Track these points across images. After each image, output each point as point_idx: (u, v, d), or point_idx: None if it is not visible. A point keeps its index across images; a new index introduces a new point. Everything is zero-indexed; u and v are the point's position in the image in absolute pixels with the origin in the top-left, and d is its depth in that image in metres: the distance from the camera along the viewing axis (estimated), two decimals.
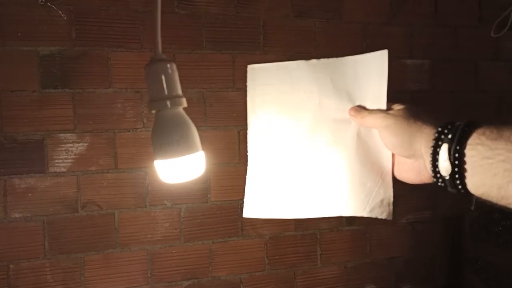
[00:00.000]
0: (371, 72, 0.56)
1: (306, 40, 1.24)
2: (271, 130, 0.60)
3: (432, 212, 1.38)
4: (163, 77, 0.51)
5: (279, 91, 0.61)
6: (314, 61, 0.60)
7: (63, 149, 1.08)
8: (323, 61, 0.59)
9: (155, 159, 0.52)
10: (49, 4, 1.04)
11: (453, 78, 1.39)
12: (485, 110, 1.42)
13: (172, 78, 0.52)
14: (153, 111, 0.53)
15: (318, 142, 0.59)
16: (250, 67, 0.61)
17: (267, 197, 0.60)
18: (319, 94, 0.59)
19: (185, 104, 0.53)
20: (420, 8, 1.35)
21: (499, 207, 0.41)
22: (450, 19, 1.38)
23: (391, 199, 0.54)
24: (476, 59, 1.41)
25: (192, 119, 0.58)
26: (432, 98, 1.36)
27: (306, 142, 0.59)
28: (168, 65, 0.52)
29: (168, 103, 0.51)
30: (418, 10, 1.35)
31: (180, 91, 0.53)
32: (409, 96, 1.34)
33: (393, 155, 0.54)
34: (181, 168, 0.53)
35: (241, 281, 1.22)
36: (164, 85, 0.51)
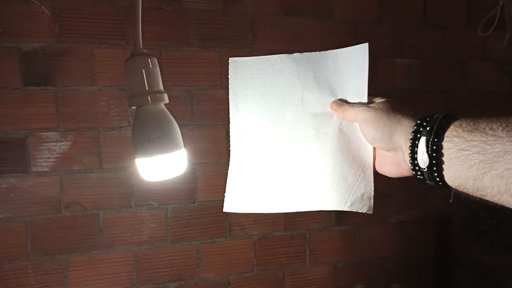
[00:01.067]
0: (352, 65, 0.56)
1: (295, 38, 1.23)
2: (253, 123, 0.60)
3: (421, 212, 1.37)
4: (143, 72, 0.49)
5: (262, 84, 0.60)
6: (296, 54, 0.59)
7: (45, 148, 1.05)
8: (306, 54, 0.59)
9: (135, 157, 0.51)
10: None
11: (441, 77, 1.39)
12: (472, 108, 1.42)
13: (153, 73, 0.50)
14: (134, 107, 0.51)
15: (300, 136, 0.58)
16: (232, 60, 0.60)
17: (248, 191, 0.60)
18: (301, 88, 0.59)
19: (166, 100, 0.52)
20: (409, 7, 1.35)
21: (479, 201, 0.41)
22: (438, 19, 1.38)
23: (372, 193, 0.54)
24: (464, 59, 1.41)
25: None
26: (421, 97, 1.36)
27: (288, 136, 0.59)
28: (149, 60, 0.51)
29: (149, 98, 0.49)
30: (407, 10, 1.35)
31: (161, 87, 0.51)
32: (399, 95, 1.34)
33: (374, 148, 0.54)
34: (162, 166, 0.51)
35: (229, 282, 1.20)
36: (145, 80, 0.49)
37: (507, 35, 1.36)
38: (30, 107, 1.04)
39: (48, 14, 1.04)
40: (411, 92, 1.35)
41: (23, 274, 1.04)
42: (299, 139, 0.58)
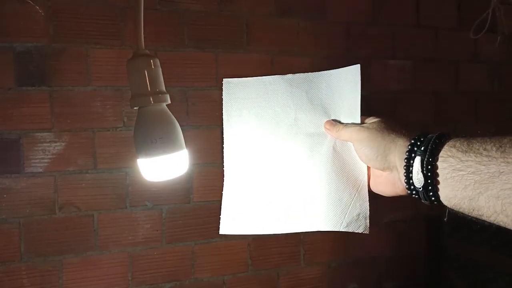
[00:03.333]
0: (344, 86, 0.57)
1: (289, 39, 1.24)
2: (247, 144, 0.60)
3: (414, 211, 1.39)
4: (146, 73, 0.50)
5: (256, 105, 0.60)
6: (289, 75, 0.60)
7: (40, 148, 1.04)
8: (298, 75, 0.60)
9: (137, 158, 0.51)
10: None
11: (433, 78, 1.41)
12: (463, 109, 1.45)
13: (155, 74, 0.51)
14: (136, 108, 0.51)
15: (294, 157, 0.59)
16: (225, 81, 0.60)
17: (243, 213, 0.60)
18: (295, 108, 0.60)
19: (168, 101, 0.52)
20: (402, 9, 1.37)
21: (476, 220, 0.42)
22: (430, 21, 1.40)
23: (367, 213, 0.55)
24: (456, 60, 1.43)
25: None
26: (414, 98, 1.38)
27: (282, 156, 0.59)
28: (151, 60, 0.51)
29: (151, 99, 0.50)
30: (399, 12, 1.36)
31: (163, 87, 0.52)
32: (392, 96, 1.35)
33: (368, 168, 0.55)
34: (164, 167, 0.52)
35: (224, 282, 1.20)
36: (147, 81, 0.50)
37: (499, 38, 1.39)
38: (24, 108, 1.03)
39: (43, 14, 1.03)
40: (403, 94, 1.36)
41: (16, 275, 1.03)
42: (294, 159, 0.59)
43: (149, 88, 0.51)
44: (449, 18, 1.42)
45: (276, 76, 0.60)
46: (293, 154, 0.59)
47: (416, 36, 1.38)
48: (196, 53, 1.15)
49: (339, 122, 0.56)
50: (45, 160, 1.05)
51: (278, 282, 1.25)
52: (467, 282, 1.32)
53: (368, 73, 1.31)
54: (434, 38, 1.40)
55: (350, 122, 0.55)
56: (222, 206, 0.60)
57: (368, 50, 1.32)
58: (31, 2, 1.02)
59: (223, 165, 0.59)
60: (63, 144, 1.06)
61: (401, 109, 1.36)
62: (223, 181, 0.60)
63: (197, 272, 1.18)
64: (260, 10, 1.21)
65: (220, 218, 0.61)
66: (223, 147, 0.60)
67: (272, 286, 1.25)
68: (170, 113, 0.53)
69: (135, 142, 0.51)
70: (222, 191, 0.60)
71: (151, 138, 0.50)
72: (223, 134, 0.60)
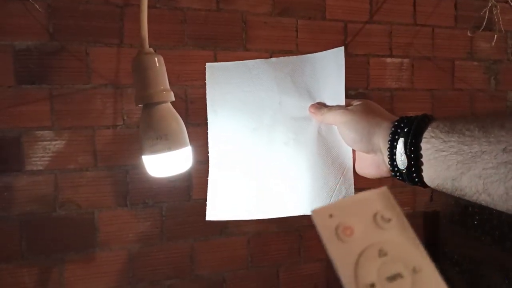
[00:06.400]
0: (328, 69, 0.56)
1: (288, 37, 1.24)
2: (231, 129, 0.60)
3: (411, 207, 1.40)
4: (150, 71, 0.50)
5: (240, 89, 0.60)
6: (273, 59, 0.60)
7: (40, 146, 1.04)
8: (282, 59, 0.59)
9: (142, 154, 0.51)
10: None
11: (430, 76, 1.42)
12: (460, 107, 1.46)
13: (160, 72, 0.51)
14: (140, 105, 0.52)
15: (279, 141, 0.58)
16: (209, 65, 0.60)
17: (229, 199, 0.60)
18: (279, 92, 0.59)
19: (173, 98, 0.52)
20: (399, 8, 1.38)
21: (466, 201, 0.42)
22: (427, 19, 1.41)
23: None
24: (452, 58, 1.45)
25: None
26: (411, 95, 1.39)
27: (267, 141, 0.59)
28: (156, 58, 0.52)
29: (156, 97, 0.50)
30: (397, 10, 1.37)
31: (167, 85, 0.52)
32: (389, 93, 1.36)
33: (353, 151, 0.54)
34: (169, 163, 0.52)
35: (224, 279, 1.21)
36: (152, 79, 0.50)
37: (496, 36, 1.40)
38: (24, 106, 1.03)
39: (42, 12, 1.03)
40: (401, 91, 1.37)
41: (18, 273, 1.04)
42: (279, 143, 0.59)
43: (153, 86, 0.52)
44: (446, 16, 1.44)
45: (260, 60, 0.59)
46: (278, 139, 0.59)
47: (413, 33, 1.39)
48: (195, 51, 1.16)
49: (324, 105, 0.56)
50: (46, 158, 1.05)
51: (277, 279, 1.26)
52: (464, 278, 1.33)
53: (366, 71, 1.32)
54: (430, 36, 1.42)
55: (335, 105, 0.55)
56: (208, 193, 0.60)
57: (365, 48, 1.33)
58: (30, 0, 1.02)
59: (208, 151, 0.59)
60: (63, 142, 1.06)
61: (398, 106, 1.37)
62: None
63: (197, 269, 1.18)
64: (259, 8, 1.22)
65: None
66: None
67: (272, 283, 1.26)
68: (174, 110, 0.54)
69: (140, 139, 0.52)
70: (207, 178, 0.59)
71: (156, 135, 0.50)
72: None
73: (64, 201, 1.06)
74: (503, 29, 1.41)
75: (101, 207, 1.09)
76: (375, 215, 0.21)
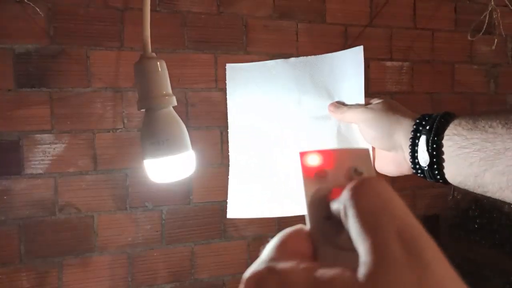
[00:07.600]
0: (348, 68, 0.57)
1: (288, 41, 1.24)
2: (252, 128, 0.60)
3: (411, 210, 1.40)
4: (153, 76, 0.50)
5: (259, 89, 0.60)
6: (292, 59, 0.60)
7: (39, 150, 1.04)
8: (301, 59, 0.60)
9: (144, 159, 0.51)
10: (25, 0, 1.01)
11: (430, 79, 1.42)
12: (460, 111, 1.46)
13: (162, 77, 0.51)
14: (143, 110, 0.52)
15: (299, 140, 0.59)
16: (229, 66, 0.60)
17: (250, 197, 0.60)
18: (299, 92, 0.60)
19: (175, 103, 0.52)
20: (399, 11, 1.38)
21: (468, 200, 0.42)
22: (427, 23, 1.41)
23: None
24: (452, 62, 1.45)
25: None
26: (411, 99, 1.39)
27: (287, 140, 0.59)
28: (158, 63, 0.51)
29: (158, 101, 0.50)
30: (397, 13, 1.37)
31: (170, 90, 0.52)
32: (389, 97, 1.36)
33: (373, 149, 0.55)
34: (171, 168, 0.52)
35: (223, 283, 1.21)
36: (154, 84, 0.50)
37: (496, 40, 1.40)
38: (24, 109, 1.03)
39: (42, 15, 1.03)
40: (402, 94, 1.37)
41: (16, 277, 1.03)
42: (298, 143, 0.59)
43: (156, 90, 0.52)
44: (446, 20, 1.44)
45: (279, 60, 0.60)
46: (298, 138, 0.59)
47: (413, 37, 1.39)
48: (195, 54, 1.16)
49: (343, 104, 0.56)
50: (45, 162, 1.05)
51: None
52: (465, 280, 1.33)
53: (367, 74, 1.31)
54: (431, 40, 1.42)
55: (354, 103, 0.55)
56: (228, 191, 0.60)
57: (366, 52, 1.32)
58: (30, 4, 1.02)
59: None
60: (63, 145, 1.06)
61: None
62: (229, 167, 0.60)
63: (197, 273, 1.18)
64: (259, 12, 1.22)
65: (227, 203, 0.60)
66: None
67: None
68: (176, 115, 0.54)
69: (142, 143, 0.52)
70: (228, 178, 0.60)
71: (158, 139, 0.50)
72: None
73: (63, 204, 1.06)
74: (503, 33, 1.41)
75: (100, 211, 1.09)
76: (350, 167, 0.23)
